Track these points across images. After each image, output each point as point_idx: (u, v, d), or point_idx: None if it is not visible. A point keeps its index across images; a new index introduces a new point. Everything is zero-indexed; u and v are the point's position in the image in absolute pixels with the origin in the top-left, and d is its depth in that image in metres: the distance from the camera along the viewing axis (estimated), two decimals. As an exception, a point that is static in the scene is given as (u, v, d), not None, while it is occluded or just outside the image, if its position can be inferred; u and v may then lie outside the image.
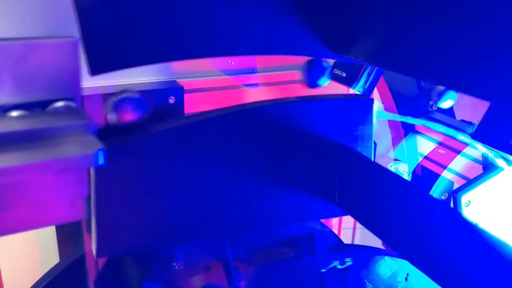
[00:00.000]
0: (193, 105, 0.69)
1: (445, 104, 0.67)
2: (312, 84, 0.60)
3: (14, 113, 0.41)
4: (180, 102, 0.63)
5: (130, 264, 0.66)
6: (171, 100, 0.62)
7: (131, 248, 0.53)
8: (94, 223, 0.50)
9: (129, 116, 0.50)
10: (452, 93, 0.67)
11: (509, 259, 0.42)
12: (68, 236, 0.77)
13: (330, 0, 0.50)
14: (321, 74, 0.60)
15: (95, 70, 0.43)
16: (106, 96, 0.59)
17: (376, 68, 0.66)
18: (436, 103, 0.68)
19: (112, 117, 0.49)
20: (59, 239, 0.77)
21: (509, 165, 0.64)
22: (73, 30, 0.42)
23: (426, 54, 0.42)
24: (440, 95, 0.66)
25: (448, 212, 0.51)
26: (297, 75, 0.68)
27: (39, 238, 0.81)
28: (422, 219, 0.51)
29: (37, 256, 0.81)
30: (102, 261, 0.63)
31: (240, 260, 0.70)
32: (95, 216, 0.49)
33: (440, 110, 0.77)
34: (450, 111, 0.78)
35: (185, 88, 0.63)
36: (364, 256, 0.73)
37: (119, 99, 0.50)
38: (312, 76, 0.60)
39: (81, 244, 0.61)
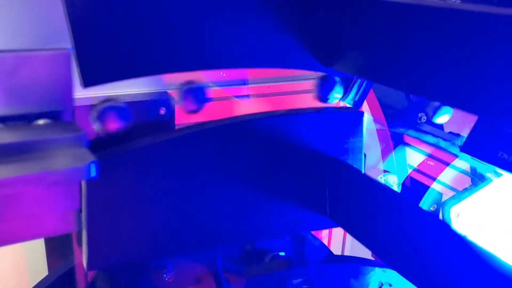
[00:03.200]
0: (184, 116, 0.69)
1: (441, 119, 0.68)
2: (323, 98, 0.61)
3: (5, 126, 0.41)
4: (171, 113, 0.63)
5: (120, 276, 0.65)
6: (162, 111, 0.62)
7: (122, 261, 0.53)
8: (85, 235, 0.49)
9: (114, 125, 0.50)
10: (447, 107, 0.68)
11: (497, 270, 0.43)
12: (57, 248, 0.76)
13: (321, 16, 0.50)
14: (332, 89, 0.61)
15: (87, 82, 0.43)
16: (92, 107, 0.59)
17: (366, 81, 0.67)
18: (431, 118, 0.69)
19: (97, 126, 0.50)
20: (48, 251, 0.76)
21: (497, 177, 0.64)
22: (66, 42, 0.42)
23: (414, 68, 0.43)
24: (436, 110, 0.67)
25: (437, 224, 0.51)
26: (288, 86, 0.69)
27: (27, 250, 0.81)
28: (412, 231, 0.51)
29: (25, 269, 0.80)
30: (91, 274, 0.63)
31: (230, 272, 0.70)
32: (86, 228, 0.49)
33: (428, 122, 0.78)
34: (438, 124, 0.78)
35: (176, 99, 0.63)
36: (354, 267, 0.73)
37: (103, 108, 0.50)
38: (324, 91, 0.61)
39: (71, 256, 0.61)
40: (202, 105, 0.56)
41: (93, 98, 0.60)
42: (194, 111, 0.55)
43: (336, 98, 0.63)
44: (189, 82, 0.55)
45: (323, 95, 0.62)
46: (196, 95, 0.55)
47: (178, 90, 0.56)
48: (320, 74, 0.62)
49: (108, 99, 0.51)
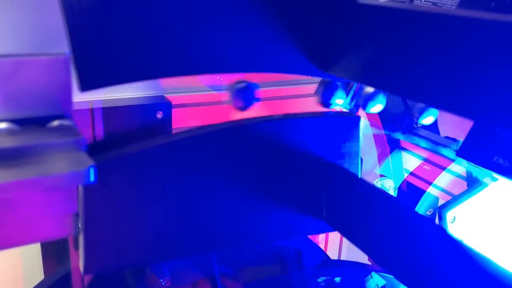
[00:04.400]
0: (181, 120, 0.69)
1: (427, 120, 0.68)
2: (326, 103, 0.62)
3: (4, 130, 0.41)
4: (168, 117, 0.63)
5: (117, 280, 0.65)
6: (159, 115, 0.62)
7: (119, 265, 0.53)
8: (82, 239, 0.49)
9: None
10: (433, 109, 0.68)
11: (492, 275, 0.43)
12: (53, 252, 0.76)
13: (317, 21, 0.51)
14: (334, 94, 0.61)
15: (85, 86, 0.43)
16: (93, 111, 0.59)
17: (362, 86, 0.67)
18: (417, 119, 0.69)
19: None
20: (44, 255, 0.76)
21: (493, 182, 0.65)
22: (64, 46, 0.42)
23: (410, 73, 0.43)
24: (421, 112, 0.68)
25: (433, 228, 0.51)
26: (285, 90, 0.69)
27: (23, 254, 0.80)
28: (408, 235, 0.52)
29: (20, 273, 0.80)
30: (88, 278, 0.63)
31: (227, 276, 0.70)
32: (83, 232, 0.49)
33: (425, 126, 0.78)
34: (434, 128, 0.79)
35: (173, 103, 0.64)
36: (350, 272, 0.73)
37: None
38: (326, 95, 0.61)
39: (67, 260, 0.60)
40: (252, 103, 0.57)
41: (90, 102, 0.60)
42: (243, 108, 0.56)
43: (338, 104, 0.63)
44: (240, 81, 0.56)
45: (326, 100, 0.62)
46: (246, 95, 0.57)
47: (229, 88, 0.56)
48: (322, 79, 0.62)
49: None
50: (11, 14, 0.46)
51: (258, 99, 0.57)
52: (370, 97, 0.63)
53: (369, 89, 0.63)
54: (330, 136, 0.61)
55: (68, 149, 0.41)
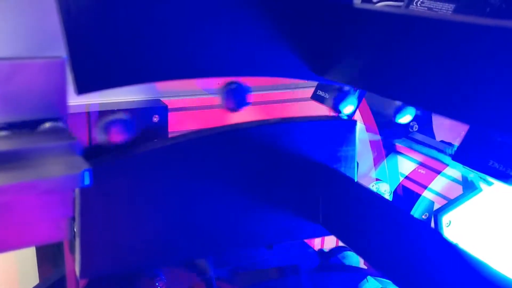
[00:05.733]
0: (177, 124, 0.69)
1: (404, 119, 0.69)
2: (336, 109, 0.62)
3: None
4: (164, 121, 0.63)
5: (112, 285, 0.65)
6: (155, 119, 0.62)
7: (115, 269, 0.53)
8: (78, 243, 0.49)
9: (118, 137, 0.50)
10: (410, 108, 0.68)
11: (487, 279, 0.43)
12: (49, 256, 0.75)
13: (314, 26, 0.51)
14: (345, 100, 0.61)
15: (81, 89, 0.43)
16: (89, 115, 0.59)
17: (358, 90, 0.67)
18: (394, 118, 0.69)
19: (101, 138, 0.50)
20: (39, 259, 0.76)
21: (488, 186, 0.65)
22: (60, 49, 0.42)
23: (406, 78, 0.43)
24: (398, 110, 0.68)
25: (429, 232, 0.51)
26: (282, 94, 0.69)
27: (18, 258, 0.80)
28: (404, 239, 0.52)
29: (15, 277, 0.79)
30: (83, 283, 0.62)
31: (223, 280, 0.70)
32: (79, 236, 0.49)
33: (420, 131, 0.79)
34: (430, 132, 0.79)
35: (169, 106, 0.64)
36: (346, 276, 0.73)
37: (108, 121, 0.50)
38: (336, 101, 0.61)
39: (62, 264, 0.60)
40: (243, 105, 0.57)
41: (86, 106, 0.60)
42: (235, 109, 0.56)
43: (349, 110, 0.63)
44: (231, 82, 0.56)
45: (337, 106, 0.62)
46: (238, 96, 0.57)
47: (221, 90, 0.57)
48: (336, 86, 0.63)
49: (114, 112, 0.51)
50: (7, 17, 0.46)
51: (249, 102, 0.57)
52: (400, 108, 0.64)
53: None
54: (327, 140, 0.61)
55: (63, 153, 0.41)
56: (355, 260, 0.77)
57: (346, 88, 0.63)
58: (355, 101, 0.64)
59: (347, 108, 0.63)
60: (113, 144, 0.50)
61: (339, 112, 0.63)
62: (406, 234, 0.51)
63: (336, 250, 0.78)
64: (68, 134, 0.42)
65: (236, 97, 0.56)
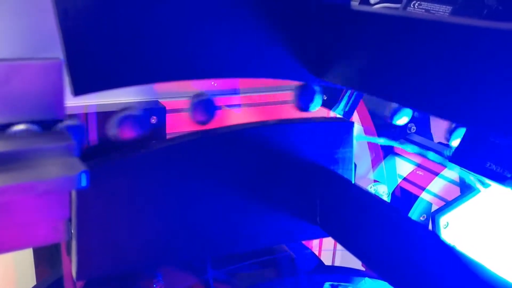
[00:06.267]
0: (175, 125, 0.69)
1: (401, 120, 0.69)
2: (304, 108, 0.61)
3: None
4: (162, 122, 0.63)
5: (110, 286, 0.65)
6: (153, 120, 0.62)
7: (112, 270, 0.53)
8: (74, 245, 0.49)
9: (130, 133, 0.50)
10: (407, 109, 0.68)
11: (485, 281, 0.43)
12: (46, 257, 0.75)
13: (312, 28, 0.51)
14: (312, 99, 0.61)
15: (78, 90, 0.43)
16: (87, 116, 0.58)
17: (356, 92, 0.67)
18: (391, 119, 0.69)
19: (113, 133, 0.50)
20: (36, 261, 0.76)
21: (485, 188, 0.65)
22: (57, 51, 0.42)
23: (403, 80, 0.43)
24: (395, 112, 0.68)
25: (427, 234, 0.51)
26: (279, 96, 0.69)
27: (15, 259, 0.80)
28: (401, 241, 0.52)
29: (12, 278, 0.79)
30: (80, 284, 0.62)
31: (221, 281, 0.70)
32: (76, 238, 0.49)
33: (418, 132, 0.79)
34: (428, 134, 0.79)
35: (167, 108, 0.63)
36: (344, 277, 0.73)
37: (121, 116, 0.50)
38: (304, 100, 0.61)
39: (59, 266, 0.60)
40: (212, 115, 0.57)
41: (84, 107, 0.59)
42: (204, 122, 0.56)
43: (317, 107, 0.63)
44: (199, 94, 0.56)
45: (304, 104, 0.62)
46: (206, 106, 0.56)
47: (190, 100, 0.56)
48: (299, 83, 0.62)
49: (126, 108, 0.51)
50: (4, 18, 0.46)
51: (218, 109, 0.57)
52: (397, 109, 0.65)
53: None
54: (324, 142, 0.61)
55: (60, 154, 0.41)
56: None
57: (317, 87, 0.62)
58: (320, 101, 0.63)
59: (402, 119, 0.64)
60: (125, 140, 0.50)
61: (306, 110, 0.62)
62: (404, 236, 0.51)
63: None
64: (65, 135, 0.42)
65: (206, 110, 0.56)
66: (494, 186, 0.60)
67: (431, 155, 0.75)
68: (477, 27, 0.36)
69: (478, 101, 0.37)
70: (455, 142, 0.67)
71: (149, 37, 0.46)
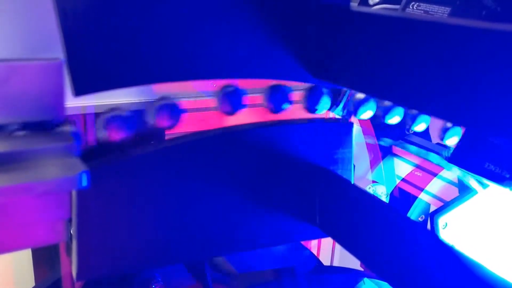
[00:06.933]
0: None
1: (419, 127, 0.69)
2: (312, 109, 0.61)
3: (-3, 135, 0.40)
4: (161, 123, 0.63)
5: (109, 286, 0.65)
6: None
7: (112, 270, 0.53)
8: (75, 245, 0.49)
9: (118, 134, 0.50)
10: (425, 116, 0.68)
11: (483, 280, 0.43)
12: (44, 259, 0.75)
13: (311, 28, 0.51)
14: (319, 101, 0.61)
15: (79, 91, 0.43)
16: (86, 117, 0.58)
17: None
18: (410, 126, 0.69)
19: (102, 134, 0.50)
20: (35, 262, 0.76)
21: (484, 188, 0.65)
22: (58, 51, 0.42)
23: (403, 80, 0.43)
24: (414, 119, 0.68)
25: (425, 234, 0.52)
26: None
27: (13, 260, 0.80)
28: (401, 241, 0.52)
29: (11, 279, 0.79)
30: (78, 285, 0.62)
31: (220, 282, 0.70)
32: (76, 238, 0.49)
33: (416, 133, 0.79)
34: (426, 135, 0.79)
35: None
36: (343, 278, 0.73)
37: (110, 116, 0.50)
38: (312, 102, 0.61)
39: (58, 267, 0.60)
40: (239, 108, 0.57)
41: (82, 108, 0.59)
42: (230, 113, 0.56)
43: (325, 109, 0.63)
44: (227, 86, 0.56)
45: (312, 106, 0.62)
46: (234, 100, 0.56)
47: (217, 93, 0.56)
48: (308, 85, 0.62)
49: (114, 108, 0.51)
50: (4, 18, 0.46)
51: (245, 105, 0.57)
52: (360, 103, 0.63)
53: (360, 95, 0.63)
54: (323, 142, 0.61)
55: (61, 154, 0.41)
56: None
57: (361, 94, 0.62)
58: (374, 106, 0.63)
59: (366, 114, 0.63)
60: (113, 141, 0.50)
61: (314, 111, 0.62)
62: (403, 236, 0.51)
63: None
64: (66, 136, 0.42)
65: (232, 100, 0.56)
66: (493, 186, 0.60)
67: (429, 156, 0.76)
68: (476, 28, 0.36)
69: (477, 101, 0.37)
70: (449, 141, 0.67)
71: (150, 37, 0.46)
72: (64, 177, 0.38)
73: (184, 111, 0.54)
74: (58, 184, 0.38)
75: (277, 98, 0.58)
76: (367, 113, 0.63)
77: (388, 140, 0.82)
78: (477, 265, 0.44)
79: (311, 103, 0.61)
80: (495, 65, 0.35)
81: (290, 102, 0.59)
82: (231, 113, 0.56)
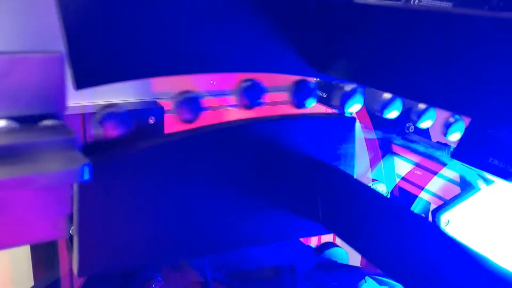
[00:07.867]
0: (173, 126, 0.68)
1: (425, 124, 0.69)
2: (299, 105, 0.61)
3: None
4: (160, 123, 0.63)
5: (108, 286, 0.64)
6: (151, 120, 0.62)
7: (113, 267, 0.52)
8: (76, 241, 0.49)
9: (113, 131, 0.50)
10: (431, 113, 0.68)
11: (491, 272, 0.43)
12: (43, 258, 0.75)
13: (313, 21, 0.51)
14: (308, 95, 0.60)
15: (80, 84, 0.43)
16: (84, 116, 0.58)
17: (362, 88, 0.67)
18: (415, 123, 0.69)
19: (98, 132, 0.49)
20: (34, 261, 0.75)
21: (487, 185, 0.65)
22: (59, 44, 0.42)
23: (406, 72, 0.43)
24: (420, 115, 0.68)
25: (429, 228, 0.51)
26: (281, 96, 0.69)
27: (12, 260, 0.79)
28: (404, 235, 0.52)
29: (9, 279, 0.79)
30: (77, 285, 0.62)
31: (220, 281, 0.69)
32: (77, 234, 0.48)
33: (416, 131, 0.79)
34: (426, 133, 0.79)
35: (166, 108, 0.63)
36: (344, 275, 0.73)
37: (105, 114, 0.50)
38: (299, 97, 0.60)
39: (57, 266, 0.60)
40: (198, 114, 0.56)
41: (81, 107, 0.59)
42: (190, 121, 0.55)
43: (311, 104, 0.62)
44: (184, 92, 0.55)
45: (299, 101, 0.61)
46: (192, 104, 0.55)
47: (173, 100, 0.56)
48: (292, 80, 0.61)
49: (109, 105, 0.51)
50: (6, 11, 0.46)
51: (204, 109, 0.57)
52: (348, 96, 0.63)
53: (347, 88, 0.63)
54: (326, 138, 0.61)
55: (62, 148, 0.40)
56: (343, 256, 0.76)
57: (348, 87, 0.62)
58: (361, 100, 0.63)
59: (354, 107, 0.63)
60: (109, 138, 0.49)
61: (302, 107, 0.62)
62: (406, 230, 0.51)
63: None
64: (67, 129, 0.42)
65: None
66: (498, 181, 0.60)
67: (430, 154, 0.76)
68: (480, 16, 0.36)
69: (482, 92, 0.37)
70: (452, 137, 0.67)
71: (151, 31, 0.46)
72: (66, 170, 0.38)
73: (205, 108, 0.54)
74: (60, 177, 0.37)
75: (302, 93, 0.58)
76: (355, 107, 0.63)
77: (388, 136, 0.82)
78: (483, 258, 0.44)
79: (298, 98, 0.60)
80: (501, 56, 0.35)
81: (315, 98, 0.59)
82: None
